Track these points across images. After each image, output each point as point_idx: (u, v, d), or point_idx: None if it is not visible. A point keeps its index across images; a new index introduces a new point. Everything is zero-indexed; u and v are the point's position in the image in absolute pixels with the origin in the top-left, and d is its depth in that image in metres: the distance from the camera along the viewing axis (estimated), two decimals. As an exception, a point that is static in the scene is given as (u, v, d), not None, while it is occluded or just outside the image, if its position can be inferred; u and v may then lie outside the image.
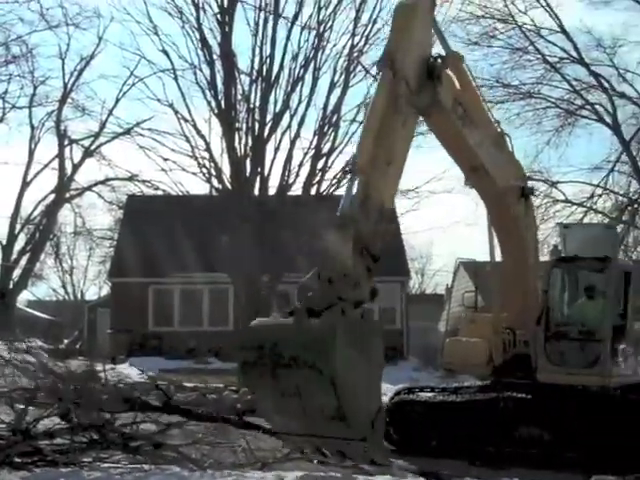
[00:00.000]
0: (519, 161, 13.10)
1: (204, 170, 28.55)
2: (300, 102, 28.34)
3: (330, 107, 28.44)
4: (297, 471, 9.09)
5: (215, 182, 28.46)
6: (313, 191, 28.55)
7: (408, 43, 9.56)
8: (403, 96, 9.25)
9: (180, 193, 29.49)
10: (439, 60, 9.94)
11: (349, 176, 9.22)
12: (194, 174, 28.65)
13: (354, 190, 8.81)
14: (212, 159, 28.41)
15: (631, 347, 12.62)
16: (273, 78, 28.05)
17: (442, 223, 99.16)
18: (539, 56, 32.27)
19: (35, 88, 42.24)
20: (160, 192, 31.20)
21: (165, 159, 28.51)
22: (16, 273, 47.06)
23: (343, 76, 28.62)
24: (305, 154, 28.51)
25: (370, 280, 8.52)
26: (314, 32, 28.25)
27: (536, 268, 12.82)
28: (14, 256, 46.70)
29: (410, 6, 9.81)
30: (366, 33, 28.56)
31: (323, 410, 7.74)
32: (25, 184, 46.08)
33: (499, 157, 11.90)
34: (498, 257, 12.94)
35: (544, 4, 31.33)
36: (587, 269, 13.09)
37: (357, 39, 28.60)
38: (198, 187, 34.12)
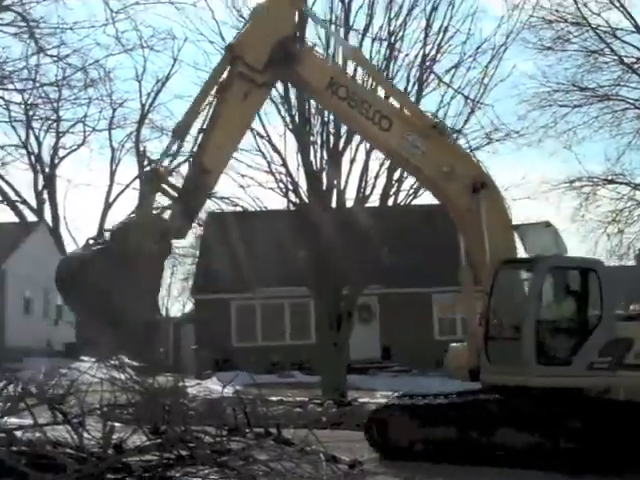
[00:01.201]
0: (465, 153, 13.38)
1: (281, 185, 28.71)
2: (375, 113, 28.30)
3: (404, 117, 28.35)
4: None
5: (292, 196, 28.58)
6: (390, 202, 28.47)
7: (256, 35, 11.02)
8: (238, 74, 10.69)
9: (258, 209, 29.69)
10: (298, 44, 11.32)
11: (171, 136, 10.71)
12: (271, 189, 28.83)
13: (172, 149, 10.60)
14: (288, 174, 28.55)
15: (594, 347, 11.99)
16: (347, 91, 28.09)
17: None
18: (615, 58, 31.60)
19: (114, 111, 43.28)
20: (239, 208, 31.48)
21: (243, 175, 28.79)
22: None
23: (416, 85, 28.53)
24: (381, 165, 28.45)
25: (181, 219, 10.07)
26: (385, 43, 28.22)
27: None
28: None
29: (266, 8, 11.26)
30: (438, 41, 28.38)
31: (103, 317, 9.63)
32: (108, 205, 47.17)
33: (424, 145, 12.13)
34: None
35: (618, 5, 30.73)
36: (525, 269, 12.98)
37: (429, 48, 28.46)
38: (276, 202, 34.26)
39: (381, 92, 13.27)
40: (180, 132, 10.42)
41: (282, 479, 9.31)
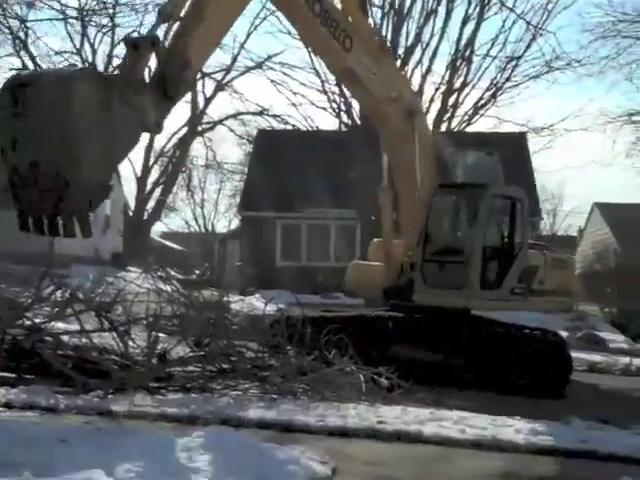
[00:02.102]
0: (405, 78, 13.37)
1: (334, 105, 28.46)
2: (432, 35, 27.92)
3: (463, 41, 27.80)
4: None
5: (344, 117, 28.34)
6: (444, 127, 28.10)
7: None
8: None
9: (310, 128, 29.52)
10: None
11: (157, 13, 9.60)
12: (324, 109, 28.62)
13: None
14: (342, 94, 28.30)
15: (515, 274, 12.66)
16: (405, 10, 27.57)
17: (576, 163, 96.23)
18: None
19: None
20: (290, 127, 31.34)
21: (295, 93, 28.54)
22: (150, 205, 48.59)
23: (477, 9, 27.88)
24: (436, 89, 28.09)
25: (156, 111, 8.84)
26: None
27: (427, 192, 12.95)
28: (148, 188, 48.12)
29: None
30: (503, -36, 27.65)
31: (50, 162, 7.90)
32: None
33: (375, 67, 12.24)
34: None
35: None
36: (464, 194, 13.39)
37: (494, -30, 27.75)
38: (328, 122, 34.01)
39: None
40: (167, 13, 9.39)
41: (321, 397, 9.38)
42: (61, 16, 28.22)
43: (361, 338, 11.60)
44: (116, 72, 9.17)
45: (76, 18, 27.93)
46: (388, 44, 27.35)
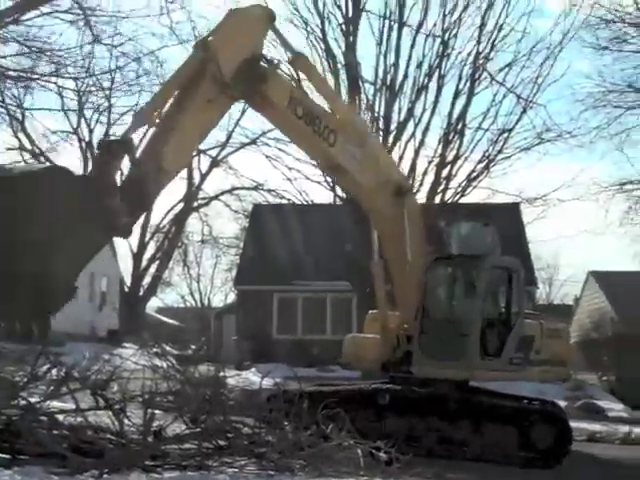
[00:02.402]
0: (392, 159, 13.47)
1: (328, 178, 28.65)
2: (424, 110, 28.14)
3: (455, 115, 28.14)
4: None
5: (339, 190, 28.51)
6: (438, 199, 28.29)
7: (231, 41, 10.38)
8: (210, 75, 9.99)
9: (305, 202, 29.70)
10: (267, 64, 10.87)
11: (133, 117, 10.14)
12: (318, 182, 28.77)
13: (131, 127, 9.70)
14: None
15: (513, 343, 12.73)
16: (397, 87, 27.95)
17: (570, 232, 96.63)
18: (673, 60, 30.98)
19: (165, 101, 43.36)
20: (285, 201, 31.51)
21: (290, 168, 28.77)
22: (146, 280, 48.57)
23: (468, 83, 28.30)
24: (430, 162, 28.28)
25: (126, 215, 8.94)
26: (439, 40, 28.03)
27: (419, 266, 12.99)
28: (144, 264, 48.17)
29: (244, 16, 10.75)
30: (492, 39, 28.17)
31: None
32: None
33: (360, 153, 12.22)
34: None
35: (678, 5, 30.11)
36: (462, 266, 13.46)
37: (482, 46, 28.24)
38: (322, 196, 34.20)
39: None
40: (141, 120, 9.61)
41: (319, 473, 9.29)
42: (58, 97, 28.59)
43: (359, 412, 11.55)
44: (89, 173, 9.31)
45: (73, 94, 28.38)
46: (372, 124, 27.84)
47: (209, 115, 10.21)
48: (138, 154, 9.49)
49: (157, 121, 9.59)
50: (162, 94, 10.51)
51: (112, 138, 10.66)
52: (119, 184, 9.00)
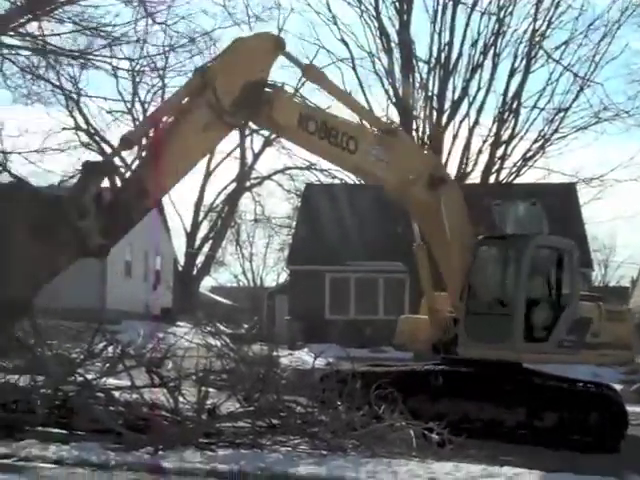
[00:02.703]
0: (423, 151, 13.15)
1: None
2: (479, 89, 27.85)
3: (510, 93, 27.79)
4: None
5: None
6: (492, 179, 28.03)
7: (232, 70, 10.18)
8: (206, 101, 9.82)
9: (356, 182, 29.63)
10: (271, 89, 10.58)
11: (120, 140, 9.63)
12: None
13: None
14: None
15: (564, 326, 12.47)
16: (452, 65, 27.67)
17: (627, 213, 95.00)
18: None
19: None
20: (337, 181, 31.51)
21: (343, 148, 28.67)
22: (199, 260, 48.99)
23: (524, 61, 27.91)
24: (484, 142, 28.01)
25: (101, 237, 8.89)
26: (494, 17, 27.67)
27: (461, 249, 12.81)
28: (197, 243, 48.57)
29: (250, 46, 10.53)
30: (548, 17, 27.75)
31: None
32: (208, 174, 47.82)
33: (385, 154, 11.93)
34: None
35: None
36: (507, 246, 13.21)
37: (539, 23, 27.83)
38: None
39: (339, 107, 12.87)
40: (129, 143, 9.44)
41: (371, 453, 9.30)
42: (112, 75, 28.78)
43: (412, 393, 11.51)
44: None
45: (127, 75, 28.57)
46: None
47: (202, 141, 10.10)
48: (125, 177, 9.59)
49: (144, 144, 9.55)
50: (152, 118, 10.56)
51: (94, 160, 10.60)
52: (99, 206, 8.97)
